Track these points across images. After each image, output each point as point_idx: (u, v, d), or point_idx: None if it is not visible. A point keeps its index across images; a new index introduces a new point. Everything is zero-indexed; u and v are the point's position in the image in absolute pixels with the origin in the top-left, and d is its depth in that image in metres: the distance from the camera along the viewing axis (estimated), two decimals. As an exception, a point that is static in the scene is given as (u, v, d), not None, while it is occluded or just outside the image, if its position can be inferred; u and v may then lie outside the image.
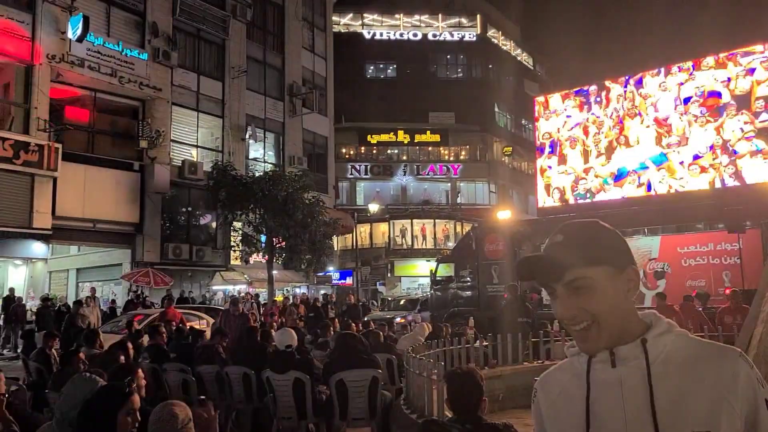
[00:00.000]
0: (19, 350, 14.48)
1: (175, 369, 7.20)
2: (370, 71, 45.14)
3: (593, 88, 19.57)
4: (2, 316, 17.34)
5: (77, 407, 2.98)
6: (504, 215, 21.85)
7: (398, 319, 20.33)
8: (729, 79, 16.66)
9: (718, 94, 16.81)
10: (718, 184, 16.44)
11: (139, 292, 19.64)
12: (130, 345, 6.66)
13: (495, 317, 11.89)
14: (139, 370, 4.46)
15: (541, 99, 21.41)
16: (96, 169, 20.50)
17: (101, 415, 2.82)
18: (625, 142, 18.52)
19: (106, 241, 21.55)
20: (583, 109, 19.68)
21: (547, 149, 20.27)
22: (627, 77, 18.96)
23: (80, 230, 20.28)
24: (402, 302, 24.62)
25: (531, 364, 7.96)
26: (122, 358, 5.47)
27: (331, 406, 6.13)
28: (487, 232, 19.60)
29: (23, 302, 17.72)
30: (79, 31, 19.18)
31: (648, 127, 18.05)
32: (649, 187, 17.87)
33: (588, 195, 19.27)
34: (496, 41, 47.36)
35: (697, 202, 16.31)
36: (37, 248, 18.83)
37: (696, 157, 16.97)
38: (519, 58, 50.81)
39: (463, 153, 43.93)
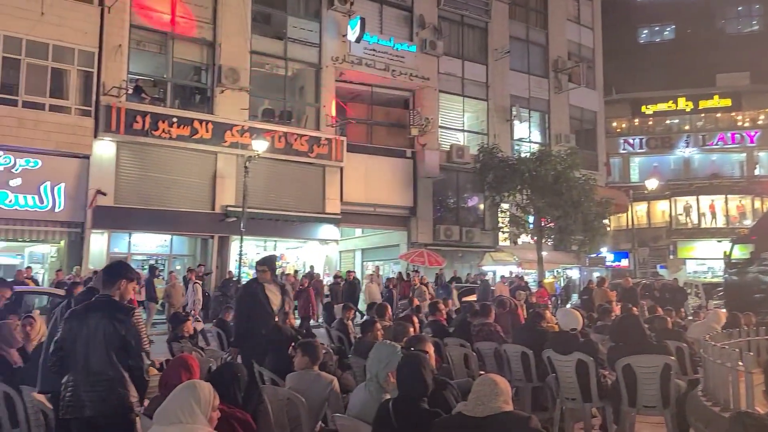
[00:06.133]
0: (320, 320, 16.51)
1: (455, 344, 7.51)
2: (644, 36, 41.56)
3: None
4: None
5: (386, 368, 3.35)
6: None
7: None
8: None
9: None
10: None
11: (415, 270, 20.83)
12: (415, 319, 7.16)
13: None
14: (429, 343, 4.70)
15: None
16: (374, 157, 22.46)
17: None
18: None
19: (385, 223, 23.50)
20: None
21: None
22: None
23: (363, 214, 22.46)
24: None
25: None
26: (411, 330, 5.87)
27: (618, 391, 5.77)
28: (798, 207, 16.63)
29: (320, 278, 19.95)
30: (357, 33, 21.16)
31: None
32: None
33: None
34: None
35: None
36: (330, 231, 21.29)
37: None
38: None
39: (761, 118, 37.93)
